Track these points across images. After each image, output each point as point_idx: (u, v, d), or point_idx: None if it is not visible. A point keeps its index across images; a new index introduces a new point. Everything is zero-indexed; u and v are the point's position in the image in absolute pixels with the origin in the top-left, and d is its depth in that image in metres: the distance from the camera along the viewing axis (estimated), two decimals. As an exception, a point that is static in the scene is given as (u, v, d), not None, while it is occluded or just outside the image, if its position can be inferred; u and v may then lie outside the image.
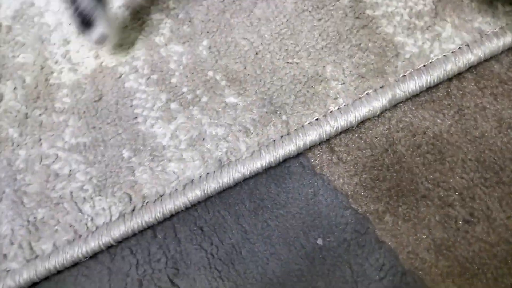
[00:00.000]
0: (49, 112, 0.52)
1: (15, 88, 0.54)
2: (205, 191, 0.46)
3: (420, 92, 0.50)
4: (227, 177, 0.47)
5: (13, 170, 0.50)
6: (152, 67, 0.52)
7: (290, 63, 0.52)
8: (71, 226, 0.46)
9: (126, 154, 0.49)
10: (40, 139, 0.51)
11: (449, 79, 0.51)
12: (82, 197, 0.47)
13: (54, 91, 0.53)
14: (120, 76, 0.52)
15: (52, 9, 0.57)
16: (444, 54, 0.50)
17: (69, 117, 0.51)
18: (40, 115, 0.52)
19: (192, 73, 0.52)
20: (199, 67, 0.52)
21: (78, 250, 0.45)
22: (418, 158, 0.48)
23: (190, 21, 0.54)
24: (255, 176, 0.48)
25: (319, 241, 0.43)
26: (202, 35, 0.53)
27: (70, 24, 0.56)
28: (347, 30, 0.52)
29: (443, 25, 0.52)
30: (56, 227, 0.46)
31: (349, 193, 0.47)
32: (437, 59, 0.50)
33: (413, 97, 0.50)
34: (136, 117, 0.51)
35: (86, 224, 0.46)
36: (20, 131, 0.51)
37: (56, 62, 0.54)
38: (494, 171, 0.47)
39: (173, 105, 0.51)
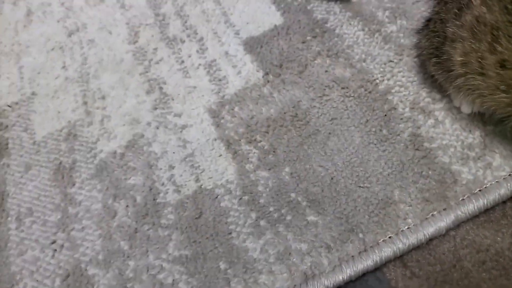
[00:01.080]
0: (155, 227, 0.61)
1: (127, 206, 0.64)
2: (295, 302, 0.52)
3: (479, 213, 0.57)
4: (313, 289, 0.53)
5: (123, 278, 0.58)
6: (244, 190, 0.62)
7: (362, 187, 0.60)
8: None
9: (222, 266, 0.56)
10: (147, 251, 0.59)
11: (504, 202, 0.58)
12: (185, 305, 0.54)
13: (160, 209, 0.63)
14: (217, 197, 0.62)
15: (159, 140, 0.70)
16: (496, 180, 0.58)
17: (172, 231, 0.60)
18: (148, 229, 0.61)
19: (277, 194, 0.61)
20: (283, 189, 0.62)
21: None
22: (484, 274, 0.53)
23: (274, 152, 0.65)
24: (338, 288, 0.54)
25: None
26: (284, 163, 0.64)
27: (174, 152, 0.68)
28: (409, 160, 0.62)
29: (492, 155, 0.60)
30: (165, 332, 0.52)
31: (425, 306, 0.52)
32: (490, 184, 0.58)
33: (473, 218, 0.57)
34: (230, 233, 0.59)
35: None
36: (130, 244, 0.60)
37: (162, 184, 0.65)
38: (558, 288, 0.51)
39: (262, 223, 0.59)
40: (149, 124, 0.73)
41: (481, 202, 0.57)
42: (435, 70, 0.63)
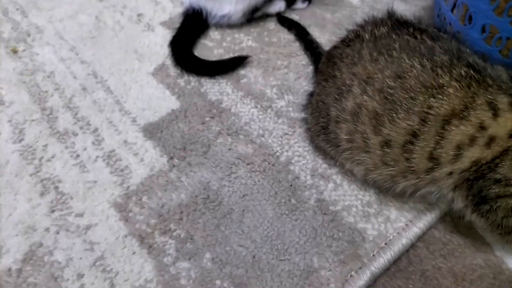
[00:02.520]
0: None
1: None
2: None
3: (389, 265, 0.62)
4: None
5: None
6: (164, 286, 0.59)
7: (283, 260, 0.62)
8: None
9: None
10: None
11: (407, 250, 0.64)
12: None
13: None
14: (137, 299, 0.58)
15: (61, 246, 0.64)
16: (397, 232, 0.65)
17: None
18: None
19: (202, 285, 0.59)
20: (207, 278, 0.60)
21: None
22: (406, 324, 0.57)
23: (191, 239, 0.64)
24: None
25: None
26: (204, 249, 0.63)
27: (80, 258, 0.62)
28: (319, 225, 0.65)
29: (389, 209, 0.67)
30: None
31: None
32: (393, 236, 0.64)
33: (385, 270, 0.62)
34: (158, 338, 0.55)
35: None
36: None
37: (73, 298, 0.58)
38: (467, 321, 0.57)
39: (191, 319, 0.56)
40: (47, 230, 0.66)
41: (388, 255, 0.62)
42: (324, 144, 0.69)
